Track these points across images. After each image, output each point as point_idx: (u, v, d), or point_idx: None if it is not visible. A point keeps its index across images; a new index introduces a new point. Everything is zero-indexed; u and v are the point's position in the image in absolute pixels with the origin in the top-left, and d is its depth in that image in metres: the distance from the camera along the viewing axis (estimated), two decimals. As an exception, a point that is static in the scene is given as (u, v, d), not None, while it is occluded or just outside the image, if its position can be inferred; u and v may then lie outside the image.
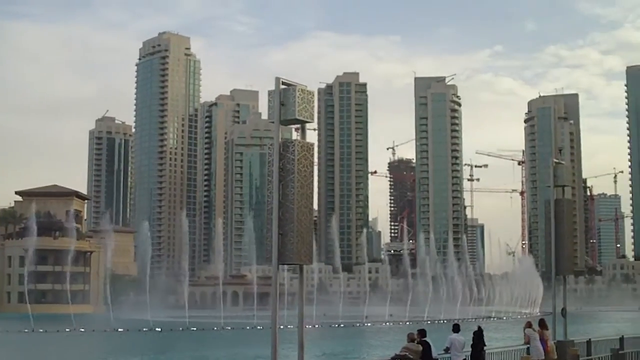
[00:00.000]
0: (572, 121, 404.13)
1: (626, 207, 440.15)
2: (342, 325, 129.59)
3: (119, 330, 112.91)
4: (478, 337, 26.45)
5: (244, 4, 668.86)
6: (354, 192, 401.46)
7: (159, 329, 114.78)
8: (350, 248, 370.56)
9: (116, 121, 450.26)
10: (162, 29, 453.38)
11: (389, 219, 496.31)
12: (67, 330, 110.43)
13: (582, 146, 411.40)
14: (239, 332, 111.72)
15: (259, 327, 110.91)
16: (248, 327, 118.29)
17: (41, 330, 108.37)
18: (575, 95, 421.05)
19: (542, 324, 29.25)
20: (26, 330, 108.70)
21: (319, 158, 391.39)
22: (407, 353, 21.17)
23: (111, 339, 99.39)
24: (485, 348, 26.70)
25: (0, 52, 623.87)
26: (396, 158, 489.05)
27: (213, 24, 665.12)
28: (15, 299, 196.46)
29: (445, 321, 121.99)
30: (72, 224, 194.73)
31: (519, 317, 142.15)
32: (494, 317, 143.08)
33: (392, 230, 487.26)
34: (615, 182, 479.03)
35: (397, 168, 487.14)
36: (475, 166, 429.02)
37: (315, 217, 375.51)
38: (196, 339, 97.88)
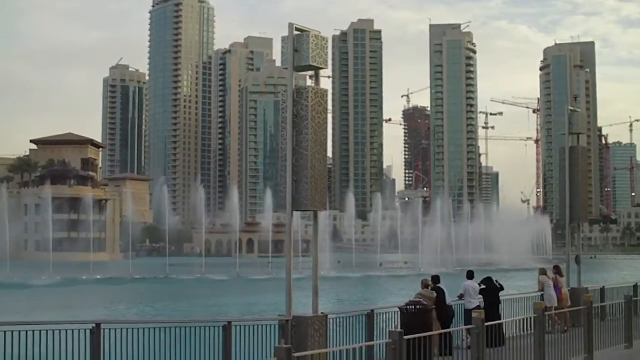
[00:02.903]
0: (587, 69, 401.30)
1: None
2: (356, 273, 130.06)
3: (136, 277, 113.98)
4: (490, 291, 24.94)
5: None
6: (368, 139, 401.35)
7: (175, 276, 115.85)
8: (364, 195, 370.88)
9: (130, 69, 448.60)
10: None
11: (404, 167, 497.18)
12: (83, 277, 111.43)
13: (598, 94, 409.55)
14: (254, 280, 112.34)
15: (273, 274, 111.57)
16: (265, 276, 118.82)
17: (58, 278, 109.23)
18: (591, 43, 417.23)
19: (557, 270, 29.26)
20: (44, 277, 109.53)
21: (333, 106, 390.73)
22: (421, 299, 21.25)
23: (127, 286, 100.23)
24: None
25: None
26: (411, 106, 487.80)
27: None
28: (32, 246, 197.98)
29: (459, 269, 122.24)
30: (87, 171, 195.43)
31: (530, 265, 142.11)
32: (499, 267, 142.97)
33: (407, 178, 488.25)
34: (630, 130, 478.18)
35: (412, 116, 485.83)
36: (490, 114, 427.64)
37: (330, 164, 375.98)
38: (211, 286, 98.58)
